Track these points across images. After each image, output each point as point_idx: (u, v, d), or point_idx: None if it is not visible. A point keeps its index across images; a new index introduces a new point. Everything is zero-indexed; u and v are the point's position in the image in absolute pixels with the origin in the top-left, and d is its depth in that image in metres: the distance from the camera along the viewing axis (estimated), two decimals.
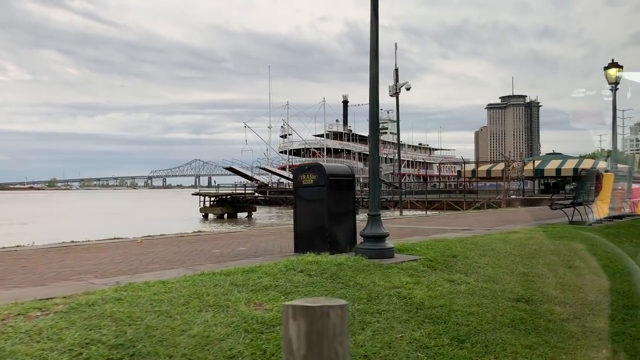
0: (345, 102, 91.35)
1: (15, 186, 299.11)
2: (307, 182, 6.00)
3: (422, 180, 79.01)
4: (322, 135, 74.66)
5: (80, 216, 42.67)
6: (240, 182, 65.03)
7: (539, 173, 37.11)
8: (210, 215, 41.34)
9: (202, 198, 43.01)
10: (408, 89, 20.01)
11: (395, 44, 22.03)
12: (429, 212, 27.99)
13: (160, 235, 9.41)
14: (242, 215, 42.58)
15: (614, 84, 12.70)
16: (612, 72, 12.68)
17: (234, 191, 49.29)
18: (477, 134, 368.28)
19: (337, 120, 77.14)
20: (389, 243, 5.70)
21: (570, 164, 35.59)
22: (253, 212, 42.93)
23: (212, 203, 42.61)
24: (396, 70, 19.40)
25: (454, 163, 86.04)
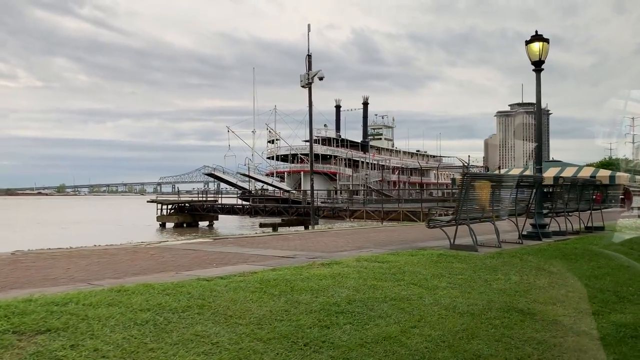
0: (337, 107, 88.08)
1: (25, 192, 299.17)
2: None
3: (418, 188, 75.95)
4: None
5: (32, 226, 40.22)
6: (226, 188, 62.97)
7: None
8: (168, 224, 38.40)
9: (158, 206, 39.90)
10: (321, 79, 17.08)
11: (308, 25, 19.15)
12: (385, 223, 25.56)
13: None
14: (203, 224, 39.67)
15: (538, 63, 9.72)
16: (535, 47, 9.69)
17: (195, 198, 46.09)
18: (486, 141, 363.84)
19: (325, 125, 73.69)
20: None
21: (568, 172, 33.24)
22: (215, 221, 39.95)
23: (169, 211, 39.57)
24: (309, 56, 16.40)
25: (448, 169, 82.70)
